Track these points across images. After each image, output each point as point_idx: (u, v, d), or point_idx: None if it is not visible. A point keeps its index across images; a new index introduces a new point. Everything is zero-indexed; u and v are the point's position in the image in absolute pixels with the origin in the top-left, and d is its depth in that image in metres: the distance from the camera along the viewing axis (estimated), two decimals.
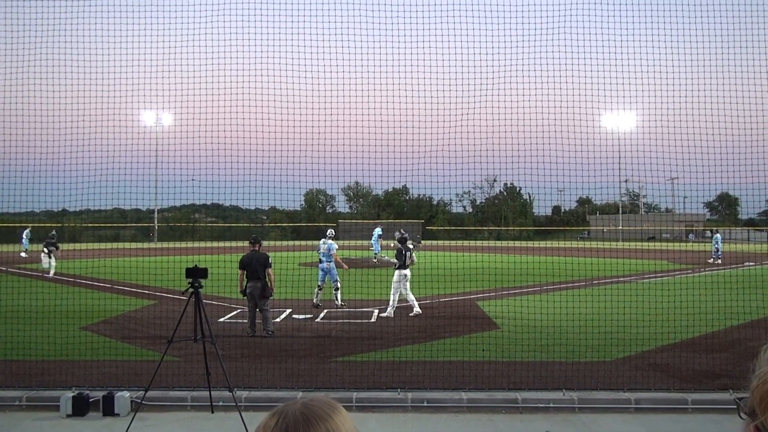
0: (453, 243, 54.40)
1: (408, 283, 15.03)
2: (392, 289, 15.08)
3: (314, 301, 16.32)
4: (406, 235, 16.08)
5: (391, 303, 14.97)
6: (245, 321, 13.23)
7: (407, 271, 15.02)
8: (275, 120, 11.34)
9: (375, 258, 32.33)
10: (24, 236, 37.15)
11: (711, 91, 10.99)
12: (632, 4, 12.04)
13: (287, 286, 14.68)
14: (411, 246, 15.67)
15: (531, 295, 18.19)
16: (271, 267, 12.71)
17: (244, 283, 12.69)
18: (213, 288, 15.95)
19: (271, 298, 12.85)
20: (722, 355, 10.66)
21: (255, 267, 12.64)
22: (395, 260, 15.19)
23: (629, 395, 8.37)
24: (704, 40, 11.12)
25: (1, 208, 13.76)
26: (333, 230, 17.90)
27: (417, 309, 14.97)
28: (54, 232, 26.68)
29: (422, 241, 51.41)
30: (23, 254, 35.22)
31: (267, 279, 12.61)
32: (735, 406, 1.31)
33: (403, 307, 15.93)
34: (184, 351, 10.42)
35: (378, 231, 35.76)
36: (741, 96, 11.01)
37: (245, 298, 12.85)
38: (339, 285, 16.35)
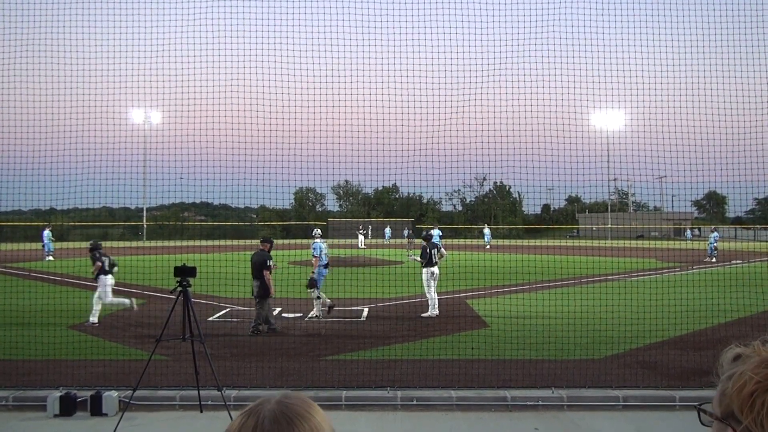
0: (443, 241, 54.38)
1: (435, 282, 14.92)
2: (425, 289, 15.02)
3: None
4: (431, 232, 15.89)
5: (430, 303, 14.86)
6: (234, 320, 13.20)
7: (435, 269, 14.96)
8: (264, 118, 11.29)
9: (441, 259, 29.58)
10: (45, 237, 34.43)
11: (699, 90, 11.07)
12: (621, 3, 12.09)
13: (277, 285, 14.64)
14: (437, 243, 15.49)
15: (520, 293, 18.23)
16: (267, 268, 12.71)
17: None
18: (202, 287, 15.92)
19: (269, 297, 12.84)
20: (709, 353, 10.72)
21: (253, 266, 12.85)
22: (419, 258, 15.16)
23: (617, 393, 8.41)
24: (693, 39, 11.20)
25: None
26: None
27: (432, 311, 14.70)
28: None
29: (415, 240, 51.48)
30: (51, 257, 33.30)
31: (264, 279, 12.69)
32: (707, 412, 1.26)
33: (404, 305, 15.95)
34: (173, 350, 10.36)
35: (437, 232, 32.61)
36: (729, 95, 11.10)
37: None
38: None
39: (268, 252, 13.04)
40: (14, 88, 10.97)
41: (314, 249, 14.72)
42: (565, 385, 8.70)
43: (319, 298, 14.36)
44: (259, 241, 13.52)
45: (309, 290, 14.07)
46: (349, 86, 11.58)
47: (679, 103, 11.26)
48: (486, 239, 48.62)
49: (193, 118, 11.87)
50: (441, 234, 35.05)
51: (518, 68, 11.69)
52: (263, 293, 12.63)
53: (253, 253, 13.32)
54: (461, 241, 53.75)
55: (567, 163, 12.01)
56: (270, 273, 12.79)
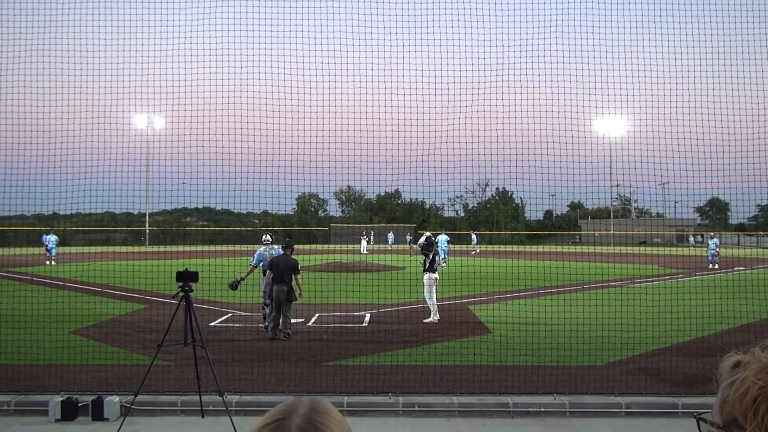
0: (451, 247, 54.44)
1: (435, 287, 14.90)
2: (426, 295, 15.00)
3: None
4: (432, 238, 15.87)
5: (432, 308, 14.82)
6: (236, 325, 13.18)
7: (436, 274, 14.95)
8: (267, 123, 11.31)
9: (444, 263, 28.81)
10: (51, 242, 35.05)
11: (702, 96, 11.06)
12: (624, 9, 12.10)
13: None
14: (441, 249, 15.41)
15: (523, 299, 18.20)
16: (299, 273, 12.72)
17: (270, 286, 12.73)
18: (204, 292, 15.91)
19: (296, 302, 12.84)
20: (712, 360, 10.57)
21: (282, 271, 12.63)
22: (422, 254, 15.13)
23: (620, 399, 8.38)
24: (696, 45, 11.20)
25: None
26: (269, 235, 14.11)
27: (434, 317, 14.64)
28: None
29: (414, 245, 51.61)
30: (53, 262, 33.80)
31: (295, 284, 12.63)
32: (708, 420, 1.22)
33: (406, 311, 15.93)
34: (175, 355, 10.34)
35: (446, 237, 33.64)
36: (731, 101, 11.08)
37: (265, 299, 12.96)
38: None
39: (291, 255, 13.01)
40: (17, 92, 11.02)
41: (255, 256, 13.77)
42: (568, 391, 8.68)
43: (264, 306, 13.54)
44: (281, 246, 13.38)
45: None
46: (352, 92, 11.60)
47: (682, 109, 11.26)
48: (473, 245, 49.89)
49: (196, 123, 11.89)
50: (449, 240, 35.30)
51: (521, 74, 11.71)
52: (293, 297, 12.60)
53: (273, 257, 13.09)
54: (464, 247, 53.70)
55: (569, 169, 12.00)
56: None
